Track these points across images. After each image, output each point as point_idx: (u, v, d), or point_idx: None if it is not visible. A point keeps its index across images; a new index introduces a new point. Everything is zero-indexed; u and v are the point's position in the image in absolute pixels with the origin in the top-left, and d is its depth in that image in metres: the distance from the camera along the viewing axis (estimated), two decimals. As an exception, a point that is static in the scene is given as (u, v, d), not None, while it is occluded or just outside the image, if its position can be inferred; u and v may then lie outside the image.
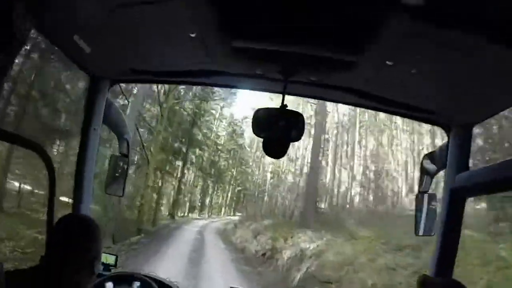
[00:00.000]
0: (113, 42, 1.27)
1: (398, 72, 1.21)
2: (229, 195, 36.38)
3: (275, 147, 1.28)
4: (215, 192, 34.95)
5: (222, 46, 1.20)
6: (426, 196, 1.59)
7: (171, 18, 1.09)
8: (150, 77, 1.67)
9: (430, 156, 1.63)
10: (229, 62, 1.34)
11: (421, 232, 1.57)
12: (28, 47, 8.27)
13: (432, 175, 1.60)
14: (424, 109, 1.45)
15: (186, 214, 28.62)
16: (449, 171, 1.47)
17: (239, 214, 32.82)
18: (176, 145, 20.60)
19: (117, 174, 1.74)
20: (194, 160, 26.17)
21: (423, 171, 1.61)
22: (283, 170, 24.68)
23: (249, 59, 1.28)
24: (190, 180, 29.79)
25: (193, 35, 1.15)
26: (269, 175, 27.16)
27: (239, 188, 34.95)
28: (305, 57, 1.21)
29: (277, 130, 1.26)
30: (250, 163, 31.92)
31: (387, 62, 1.14)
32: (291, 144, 1.34)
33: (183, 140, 21.66)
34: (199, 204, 32.09)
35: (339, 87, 1.45)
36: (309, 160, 18.15)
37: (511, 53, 0.95)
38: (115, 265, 1.87)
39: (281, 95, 1.32)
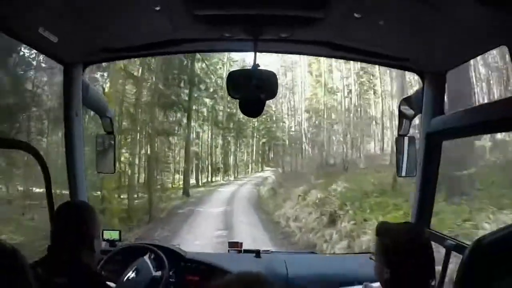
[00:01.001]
0: (79, 26, 1.50)
1: (366, 24, 1.42)
2: (254, 149, 36.96)
3: (251, 106, 1.53)
4: (238, 149, 35.39)
5: (187, 15, 1.41)
6: (405, 139, 1.88)
7: None
8: (121, 54, 1.95)
9: (406, 100, 1.89)
10: (197, 30, 1.57)
11: (403, 173, 1.89)
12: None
13: (410, 118, 1.87)
14: (398, 57, 1.68)
15: (209, 179, 29.53)
16: (425, 116, 1.74)
17: (268, 168, 34.23)
18: (172, 96, 19.37)
19: (105, 152, 2.13)
20: (205, 114, 26.44)
21: (401, 115, 1.88)
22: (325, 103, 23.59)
23: (215, 24, 1.50)
24: (207, 140, 30.52)
25: (157, 8, 1.37)
26: (304, 118, 26.78)
27: (264, 140, 35.84)
28: (273, 16, 1.41)
29: (252, 90, 1.48)
30: (273, 108, 32.00)
31: (355, 14, 1.34)
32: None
33: (182, 82, 20.29)
34: (222, 166, 32.85)
35: (311, 41, 1.68)
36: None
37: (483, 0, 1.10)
38: (119, 239, 2.29)
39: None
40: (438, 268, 1.47)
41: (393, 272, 1.24)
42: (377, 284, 1.49)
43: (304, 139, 26.60)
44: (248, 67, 1.52)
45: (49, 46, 1.57)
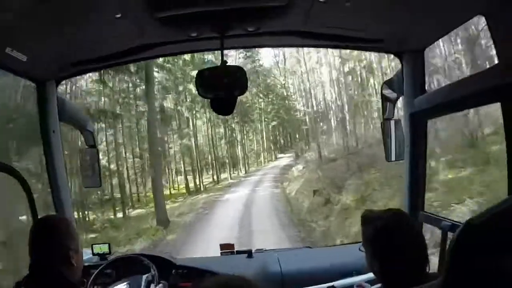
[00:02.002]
0: (46, 43, 1.70)
1: (332, 7, 1.57)
2: (264, 135, 36.34)
3: (223, 104, 1.72)
4: (245, 137, 35.19)
5: (150, 19, 1.60)
6: (391, 123, 2.11)
7: (93, 4, 1.47)
8: (92, 65, 2.18)
9: (388, 83, 2.12)
10: (162, 33, 1.79)
11: (393, 158, 2.12)
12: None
13: (393, 101, 2.10)
14: (372, 39, 1.86)
15: (215, 178, 28.47)
16: (407, 96, 1.95)
17: (282, 155, 34.16)
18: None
19: (89, 166, 2.43)
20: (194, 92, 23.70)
21: (384, 98, 2.11)
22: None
23: (180, 24, 1.70)
24: (206, 130, 29.90)
25: (118, 16, 1.55)
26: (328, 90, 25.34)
27: (274, 122, 35.60)
28: (236, 10, 1.59)
29: (222, 88, 1.67)
30: (281, 80, 31.34)
31: None
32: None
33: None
34: (229, 159, 31.91)
35: (278, 32, 1.87)
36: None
37: None
38: (109, 253, 2.55)
39: None
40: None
41: (382, 262, 1.31)
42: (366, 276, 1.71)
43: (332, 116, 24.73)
44: (217, 65, 1.71)
45: (18, 65, 1.78)
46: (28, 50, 1.69)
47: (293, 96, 33.48)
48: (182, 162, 26.61)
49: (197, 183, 25.84)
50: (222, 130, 31.95)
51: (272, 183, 22.53)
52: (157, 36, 1.86)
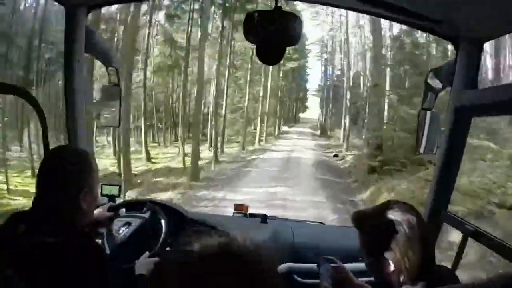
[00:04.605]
0: None
1: None
2: (269, 84, 27.61)
3: (270, 51, 1.58)
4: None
5: None
6: (428, 114, 2.05)
7: None
8: None
9: (435, 71, 2.03)
10: None
11: (422, 150, 2.08)
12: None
13: (436, 92, 2.03)
14: (430, 18, 1.74)
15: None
16: (456, 88, 1.87)
17: (293, 129, 27.65)
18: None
19: (110, 105, 2.35)
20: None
21: (427, 87, 2.03)
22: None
23: None
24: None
25: None
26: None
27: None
28: None
29: (271, 34, 1.52)
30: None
31: None
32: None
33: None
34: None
35: None
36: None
37: None
38: (119, 195, 2.48)
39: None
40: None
41: (380, 267, 1.27)
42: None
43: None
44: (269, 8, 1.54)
45: None
46: None
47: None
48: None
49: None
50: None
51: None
52: None
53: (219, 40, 22.10)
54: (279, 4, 1.51)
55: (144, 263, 1.76)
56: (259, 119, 26.85)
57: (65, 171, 1.41)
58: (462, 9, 1.58)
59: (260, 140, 26.16)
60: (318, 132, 33.21)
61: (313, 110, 52.43)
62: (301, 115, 56.03)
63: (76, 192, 1.40)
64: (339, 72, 32.00)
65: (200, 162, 18.37)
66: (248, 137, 25.74)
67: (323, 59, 36.37)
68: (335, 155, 22.17)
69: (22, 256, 1.27)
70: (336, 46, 32.15)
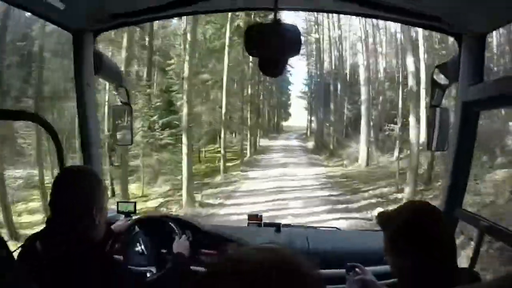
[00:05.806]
0: None
1: None
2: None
3: (272, 65, 1.59)
4: None
5: None
6: (438, 110, 2.05)
7: None
8: (131, 19, 2.10)
9: (441, 68, 2.03)
10: None
11: (434, 147, 2.07)
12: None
13: (444, 88, 2.02)
14: (432, 15, 1.74)
15: None
16: (462, 83, 1.86)
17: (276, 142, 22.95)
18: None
19: (122, 124, 2.39)
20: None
21: (435, 84, 2.03)
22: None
23: None
24: None
25: None
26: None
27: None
28: None
29: (272, 47, 1.54)
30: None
31: None
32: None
33: None
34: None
35: None
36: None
37: None
38: (134, 212, 2.51)
39: None
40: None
41: (413, 259, 1.25)
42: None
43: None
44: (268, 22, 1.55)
45: (56, 14, 1.73)
46: None
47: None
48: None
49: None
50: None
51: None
52: None
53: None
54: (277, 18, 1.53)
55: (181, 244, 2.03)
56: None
57: (79, 188, 1.49)
58: (461, 4, 1.58)
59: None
60: (310, 145, 29.64)
61: (298, 116, 48.88)
62: (284, 123, 52.26)
63: (89, 208, 1.48)
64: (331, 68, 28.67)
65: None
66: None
67: (307, 55, 33.23)
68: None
69: (44, 270, 1.36)
70: (325, 38, 29.78)
